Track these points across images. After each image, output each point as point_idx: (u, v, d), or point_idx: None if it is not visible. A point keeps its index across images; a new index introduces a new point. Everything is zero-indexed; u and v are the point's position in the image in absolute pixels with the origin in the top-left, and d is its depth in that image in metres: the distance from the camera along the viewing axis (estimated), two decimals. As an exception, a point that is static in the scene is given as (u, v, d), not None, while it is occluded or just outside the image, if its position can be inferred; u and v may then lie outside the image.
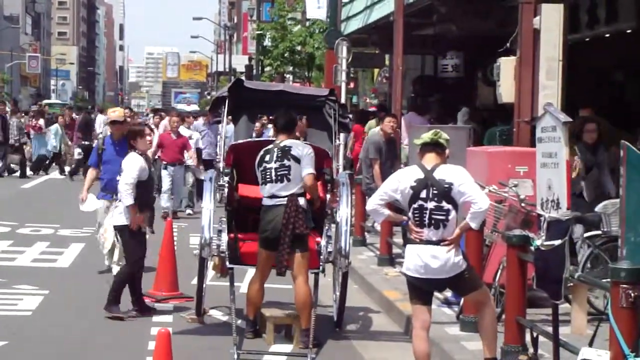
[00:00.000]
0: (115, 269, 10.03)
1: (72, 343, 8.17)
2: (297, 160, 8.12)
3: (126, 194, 8.99)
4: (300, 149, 8.21)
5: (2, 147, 24.53)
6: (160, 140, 17.03)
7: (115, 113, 11.40)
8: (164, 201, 16.54)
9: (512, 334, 7.02)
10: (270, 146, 8.29)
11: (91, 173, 11.10)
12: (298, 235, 8.03)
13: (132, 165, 9.08)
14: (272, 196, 8.12)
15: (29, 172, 25.53)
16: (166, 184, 16.68)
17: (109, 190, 10.48)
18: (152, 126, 20.28)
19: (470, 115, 17.02)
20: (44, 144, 26.84)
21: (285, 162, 8.13)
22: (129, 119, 20.32)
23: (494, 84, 12.68)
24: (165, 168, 16.75)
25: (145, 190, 9.21)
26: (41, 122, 27.83)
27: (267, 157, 8.18)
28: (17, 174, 25.16)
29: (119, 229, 9.28)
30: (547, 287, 6.47)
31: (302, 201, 8.14)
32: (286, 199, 8.07)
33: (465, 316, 8.12)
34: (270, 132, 18.94)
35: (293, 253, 8.06)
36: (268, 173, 8.13)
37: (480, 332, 6.89)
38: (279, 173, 8.10)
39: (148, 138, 9.56)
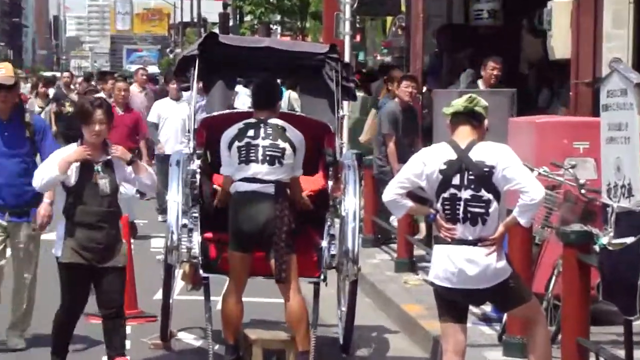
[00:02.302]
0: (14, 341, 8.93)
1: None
2: (293, 147, 8.12)
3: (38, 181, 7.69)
4: (297, 134, 8.21)
5: None
6: None
7: (2, 71, 8.83)
8: None
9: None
10: (252, 120, 8.26)
11: None
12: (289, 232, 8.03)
13: (55, 154, 7.74)
14: (253, 180, 8.07)
15: None
16: None
17: (7, 206, 8.76)
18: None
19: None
20: None
21: (280, 142, 8.11)
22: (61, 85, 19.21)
23: (543, 34, 12.68)
24: None
25: (79, 200, 7.60)
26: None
27: (252, 132, 8.14)
28: None
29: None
30: (617, 299, 6.49)
31: (288, 192, 8.16)
32: (273, 185, 8.05)
33: (510, 337, 8.15)
34: (241, 100, 18.67)
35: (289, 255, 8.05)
36: (252, 151, 8.09)
37: (529, 357, 6.91)
38: (268, 153, 8.06)
39: (97, 127, 7.58)
